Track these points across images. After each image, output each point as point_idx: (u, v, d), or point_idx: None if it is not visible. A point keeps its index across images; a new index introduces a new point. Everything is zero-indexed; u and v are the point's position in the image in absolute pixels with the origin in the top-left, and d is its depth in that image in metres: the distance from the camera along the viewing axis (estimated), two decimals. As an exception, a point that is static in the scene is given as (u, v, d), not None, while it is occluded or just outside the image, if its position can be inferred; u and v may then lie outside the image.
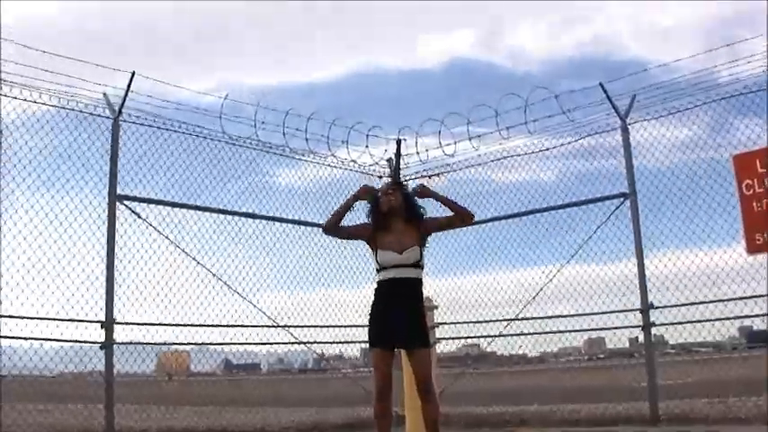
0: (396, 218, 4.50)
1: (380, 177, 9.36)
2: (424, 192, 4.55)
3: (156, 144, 7.49)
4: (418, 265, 4.39)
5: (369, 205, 4.57)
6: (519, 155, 8.76)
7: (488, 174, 9.02)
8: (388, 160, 9.05)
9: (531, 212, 8.71)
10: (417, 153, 8.85)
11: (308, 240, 8.75)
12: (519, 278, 8.73)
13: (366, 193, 4.52)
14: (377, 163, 8.95)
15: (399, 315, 4.27)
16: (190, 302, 7.36)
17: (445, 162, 9.10)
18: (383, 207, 4.47)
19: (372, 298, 4.56)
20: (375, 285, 4.49)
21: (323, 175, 9.05)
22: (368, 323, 4.46)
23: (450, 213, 4.47)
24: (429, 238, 4.59)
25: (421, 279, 4.45)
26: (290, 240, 8.42)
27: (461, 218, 4.43)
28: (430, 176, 9.09)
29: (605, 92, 8.11)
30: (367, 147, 8.60)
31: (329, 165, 8.98)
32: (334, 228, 4.34)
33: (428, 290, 8.99)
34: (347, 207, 4.34)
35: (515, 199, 8.81)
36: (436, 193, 4.57)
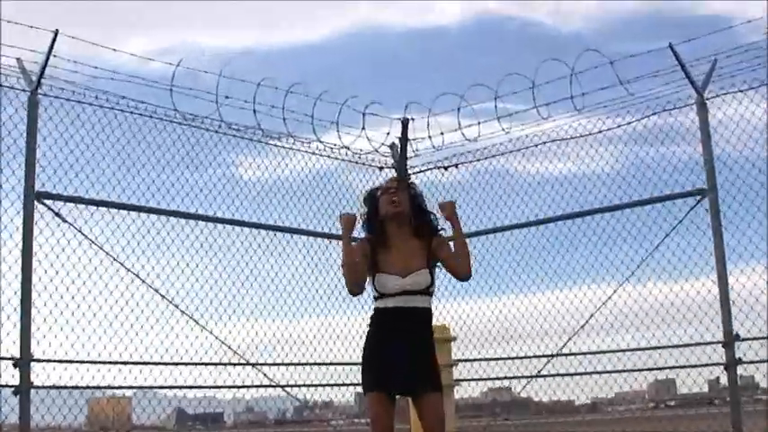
0: (399, 228, 4.51)
1: (381, 169, 9.37)
2: (449, 213, 4.55)
3: (87, 125, 7.42)
4: (428, 291, 4.45)
5: (365, 210, 4.59)
6: (562, 139, 8.69)
7: (522, 164, 9.03)
8: (392, 146, 9.01)
9: (578, 215, 8.69)
10: (430, 137, 8.76)
11: (287, 252, 8.74)
12: (562, 301, 8.70)
13: (348, 223, 4.49)
14: (376, 150, 8.80)
15: (402, 350, 4.29)
16: (132, 333, 7.39)
17: (466, 149, 9.07)
18: (383, 211, 4.49)
19: (367, 329, 4.58)
20: (371, 313, 4.51)
21: (306, 167, 9.07)
22: (362, 361, 4.50)
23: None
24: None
25: (431, 309, 4.49)
26: (261, 252, 8.44)
27: (461, 271, 4.48)
28: (446, 168, 9.06)
29: (676, 56, 8.03)
30: (363, 129, 8.51)
31: (314, 153, 8.99)
32: (358, 285, 4.37)
33: (442, 315, 9.15)
34: (350, 249, 4.33)
35: (557, 197, 8.84)
36: (459, 225, 4.59)
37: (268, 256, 8.50)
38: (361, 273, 4.35)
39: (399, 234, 4.53)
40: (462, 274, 4.42)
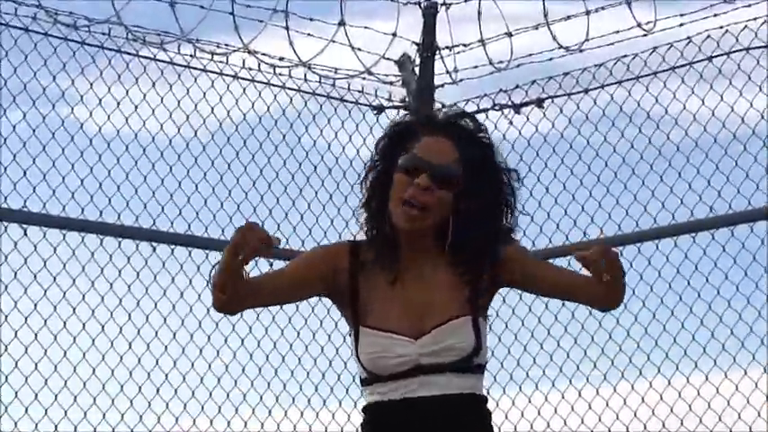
0: (420, 241, 2.77)
1: (378, 111, 6.18)
2: (610, 263, 2.63)
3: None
4: (473, 362, 2.76)
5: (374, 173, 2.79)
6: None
7: (669, 100, 5.60)
8: (400, 63, 6.16)
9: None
10: (482, 43, 5.84)
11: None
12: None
13: (249, 239, 2.61)
14: (369, 71, 5.87)
15: None
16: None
17: (552, 68, 5.95)
18: (400, 221, 2.66)
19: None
20: (362, 415, 3.02)
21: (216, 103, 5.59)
22: None
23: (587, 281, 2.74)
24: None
25: (483, 397, 2.84)
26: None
27: (609, 302, 2.86)
28: (519, 107, 5.90)
29: None
30: (342, 24, 5.68)
31: (235, 76, 5.64)
32: (230, 301, 2.72)
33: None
34: (229, 272, 2.61)
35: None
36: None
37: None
38: (241, 288, 2.69)
39: (419, 253, 2.77)
40: (612, 301, 2.82)
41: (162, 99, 5.02)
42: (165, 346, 4.90)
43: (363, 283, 2.73)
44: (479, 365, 2.76)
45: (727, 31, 5.16)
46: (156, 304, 4.80)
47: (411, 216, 2.58)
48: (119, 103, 4.94)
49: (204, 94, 5.18)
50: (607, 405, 5.21)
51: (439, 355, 2.70)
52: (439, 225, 2.64)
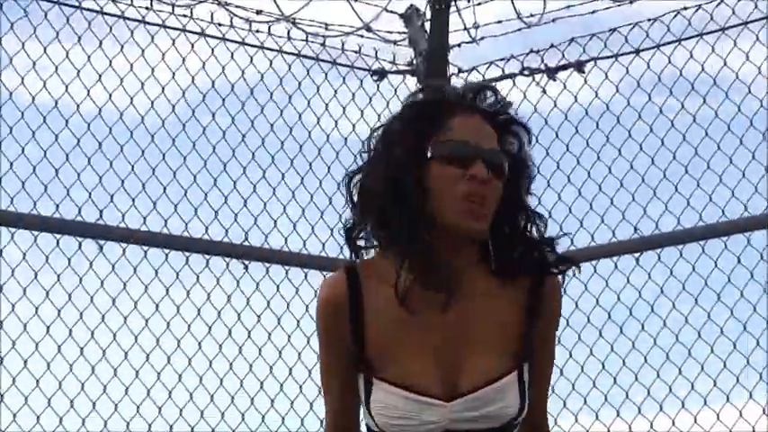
0: (467, 252, 2.44)
1: (380, 77, 5.78)
2: None
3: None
4: (513, 425, 2.50)
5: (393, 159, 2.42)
6: None
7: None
8: (407, 16, 5.69)
9: None
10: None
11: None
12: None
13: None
14: (368, 27, 5.61)
15: None
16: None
17: (602, 26, 5.54)
18: (464, 222, 2.35)
19: None
20: None
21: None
22: None
23: None
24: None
25: None
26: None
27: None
28: (554, 71, 5.47)
29: None
30: None
31: (202, 34, 5.12)
32: None
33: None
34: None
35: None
36: None
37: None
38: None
39: (461, 269, 2.40)
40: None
41: (110, 62, 4.42)
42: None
43: (372, 317, 2.38)
44: (516, 426, 2.48)
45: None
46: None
47: (480, 214, 2.29)
48: (57, 68, 4.33)
49: (163, 55, 4.58)
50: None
51: (476, 421, 2.41)
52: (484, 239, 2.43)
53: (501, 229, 2.35)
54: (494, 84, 5.23)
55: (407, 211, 2.31)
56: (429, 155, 2.26)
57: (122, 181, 4.25)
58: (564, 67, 5.24)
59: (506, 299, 2.38)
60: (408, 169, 2.32)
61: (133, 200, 4.26)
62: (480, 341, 2.36)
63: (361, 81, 5.28)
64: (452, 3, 4.98)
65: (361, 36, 5.36)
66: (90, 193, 4.30)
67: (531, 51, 5.28)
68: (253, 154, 4.55)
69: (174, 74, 4.49)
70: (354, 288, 2.32)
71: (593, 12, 5.25)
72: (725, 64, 4.79)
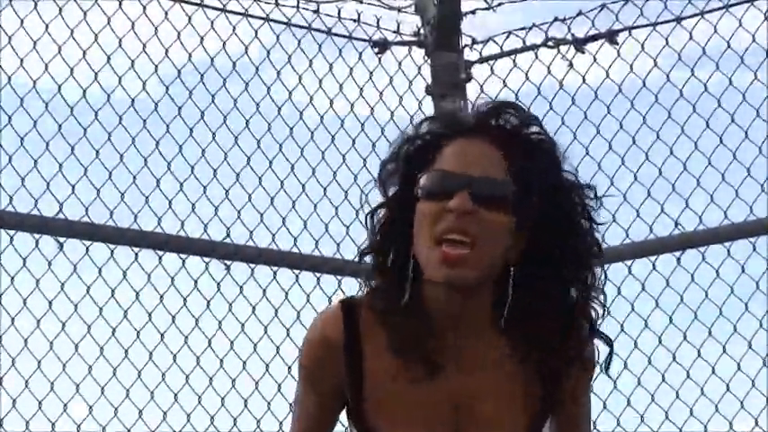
0: (470, 308, 2.19)
1: (380, 50, 5.43)
2: None
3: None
4: None
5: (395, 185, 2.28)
6: None
7: None
8: None
9: None
10: None
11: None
12: None
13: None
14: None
15: None
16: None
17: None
18: (434, 271, 2.11)
19: None
20: None
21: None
22: None
23: None
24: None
25: None
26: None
27: None
28: (583, 43, 4.97)
29: None
30: None
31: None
32: None
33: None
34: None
35: None
36: None
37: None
38: None
39: (464, 329, 2.23)
40: None
41: (72, 32, 3.93)
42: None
43: (372, 363, 2.22)
44: None
45: None
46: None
47: (452, 258, 2.09)
48: (35, 43, 3.91)
49: (132, 24, 4.09)
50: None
51: None
52: (500, 275, 2.16)
53: (531, 276, 2.07)
54: (514, 56, 4.69)
55: (389, 261, 2.15)
56: (416, 193, 2.11)
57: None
58: (594, 38, 4.80)
59: (518, 365, 2.11)
60: (393, 212, 2.19)
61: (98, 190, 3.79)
62: (484, 412, 2.16)
63: (360, 53, 4.87)
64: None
65: (361, 2, 4.94)
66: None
67: (557, 20, 4.82)
68: (236, 138, 4.06)
69: (144, 46, 3.95)
70: (351, 328, 2.13)
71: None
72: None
